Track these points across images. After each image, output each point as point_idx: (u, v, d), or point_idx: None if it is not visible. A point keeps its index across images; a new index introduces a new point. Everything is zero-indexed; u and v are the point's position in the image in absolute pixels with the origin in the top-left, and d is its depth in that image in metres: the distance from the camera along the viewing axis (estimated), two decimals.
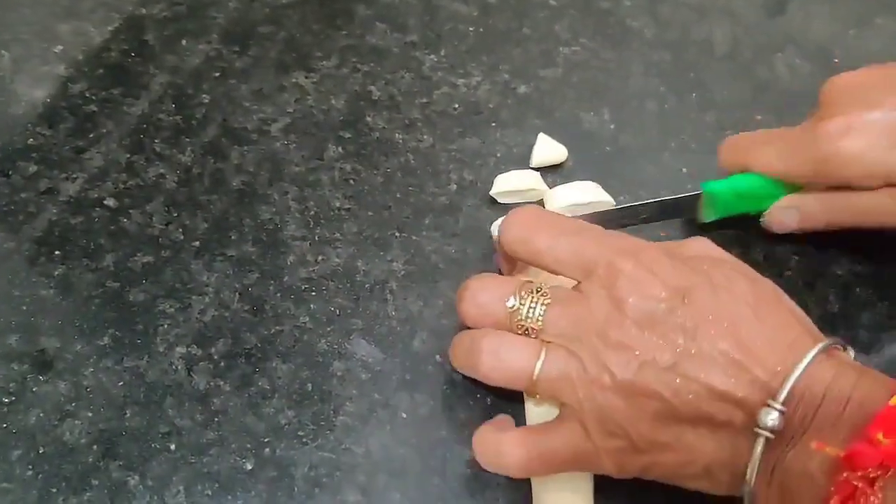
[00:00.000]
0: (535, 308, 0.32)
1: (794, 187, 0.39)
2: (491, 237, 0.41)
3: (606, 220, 0.39)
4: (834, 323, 0.40)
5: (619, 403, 0.30)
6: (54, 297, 0.39)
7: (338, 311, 0.39)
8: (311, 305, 0.40)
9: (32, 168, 0.43)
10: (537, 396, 0.33)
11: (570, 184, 0.41)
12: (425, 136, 0.45)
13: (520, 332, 0.33)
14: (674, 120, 0.46)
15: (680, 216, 0.42)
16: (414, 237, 0.42)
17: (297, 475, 0.35)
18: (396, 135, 0.45)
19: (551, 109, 0.46)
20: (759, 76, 0.48)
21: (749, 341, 0.30)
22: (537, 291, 0.33)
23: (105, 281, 0.40)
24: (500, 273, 0.38)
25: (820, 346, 0.29)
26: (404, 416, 0.37)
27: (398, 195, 0.43)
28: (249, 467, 0.35)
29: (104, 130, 0.45)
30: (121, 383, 0.37)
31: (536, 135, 0.44)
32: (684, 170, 0.45)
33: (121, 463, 0.35)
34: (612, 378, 0.30)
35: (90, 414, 0.36)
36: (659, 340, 0.30)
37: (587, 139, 0.45)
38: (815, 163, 0.37)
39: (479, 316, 0.34)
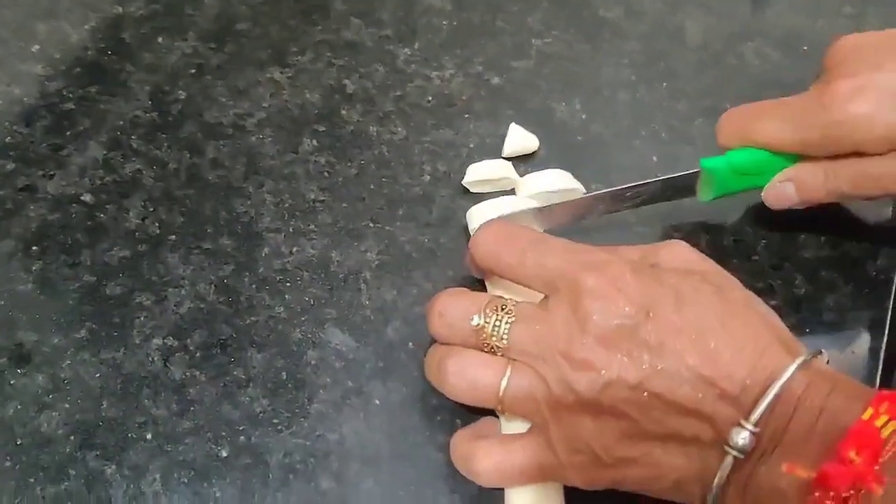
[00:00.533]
0: (499, 326, 0.32)
1: (795, 160, 0.38)
2: (465, 227, 0.42)
3: (601, 204, 0.39)
4: (799, 305, 0.40)
5: (585, 422, 0.30)
6: (32, 291, 0.40)
7: (312, 301, 0.40)
8: (286, 296, 0.40)
9: (10, 166, 0.44)
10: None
11: (541, 172, 0.42)
12: (399, 129, 0.46)
13: (486, 349, 0.32)
14: (645, 109, 0.47)
15: (679, 197, 0.41)
16: (388, 227, 0.42)
17: (271, 462, 0.36)
18: (371, 127, 0.46)
19: (524, 100, 0.47)
20: (729, 65, 0.49)
21: (716, 355, 0.29)
22: (502, 309, 0.32)
23: (82, 275, 0.41)
24: (472, 271, 0.38)
25: (795, 363, 0.28)
26: (377, 403, 0.37)
27: (372, 186, 0.44)
28: (225, 455, 0.36)
29: (81, 128, 0.45)
30: (98, 375, 0.38)
31: (508, 125, 0.45)
32: (655, 158, 0.45)
33: (98, 453, 0.36)
34: (576, 397, 0.30)
35: (67, 405, 0.37)
36: (624, 358, 0.29)
37: (559, 129, 0.46)
38: (824, 128, 0.35)
39: (446, 334, 0.33)
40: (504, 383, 0.32)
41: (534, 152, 0.45)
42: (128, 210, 0.43)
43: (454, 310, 0.33)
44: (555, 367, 0.30)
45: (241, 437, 0.36)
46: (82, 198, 0.43)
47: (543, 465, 0.31)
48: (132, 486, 0.35)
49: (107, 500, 0.35)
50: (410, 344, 0.39)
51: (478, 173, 0.42)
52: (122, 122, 0.46)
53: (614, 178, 0.44)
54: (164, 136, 0.45)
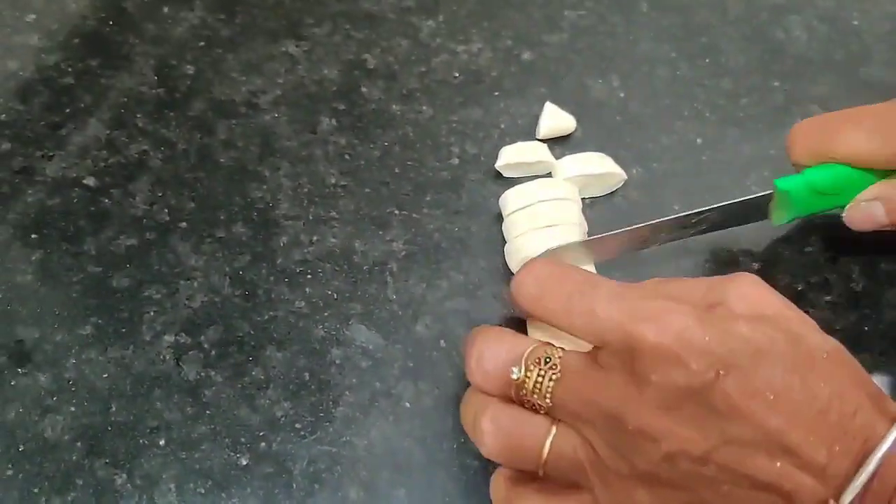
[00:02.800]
0: (542, 382, 0.28)
1: (883, 175, 0.34)
2: (498, 214, 0.39)
3: (660, 232, 0.35)
4: (858, 301, 0.37)
5: (639, 493, 0.26)
6: (32, 283, 0.37)
7: (335, 295, 0.37)
8: (307, 289, 0.37)
9: (5, 146, 0.41)
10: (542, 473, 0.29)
11: (579, 154, 0.39)
12: (424, 108, 0.42)
13: (528, 406, 0.29)
14: (686, 87, 0.44)
15: (749, 221, 0.36)
16: (414, 215, 0.39)
17: (295, 471, 0.33)
18: (393, 106, 0.42)
19: (557, 77, 0.44)
20: (774, 39, 0.46)
21: (797, 418, 0.24)
22: (546, 362, 0.28)
23: (86, 266, 0.38)
24: (514, 311, 0.35)
25: None
26: (408, 405, 0.35)
27: (396, 170, 0.41)
28: (245, 463, 0.33)
29: (82, 105, 0.42)
30: (105, 375, 0.35)
31: (542, 104, 0.42)
32: (699, 140, 0.42)
33: (107, 460, 0.33)
34: (631, 468, 0.26)
35: (73, 408, 0.34)
36: (687, 426, 0.25)
37: (595, 108, 0.43)
38: None
39: (484, 383, 0.29)
40: (547, 448, 0.28)
41: (570, 134, 0.42)
42: (134, 195, 0.39)
43: (491, 356, 0.29)
44: (606, 433, 0.26)
45: (262, 444, 0.34)
46: (84, 181, 0.40)
47: None
48: (144, 496, 0.33)
49: None
50: (442, 342, 0.36)
51: (512, 156, 0.39)
52: (125, 99, 0.42)
53: (656, 163, 0.41)
54: (171, 114, 0.42)
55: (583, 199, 0.39)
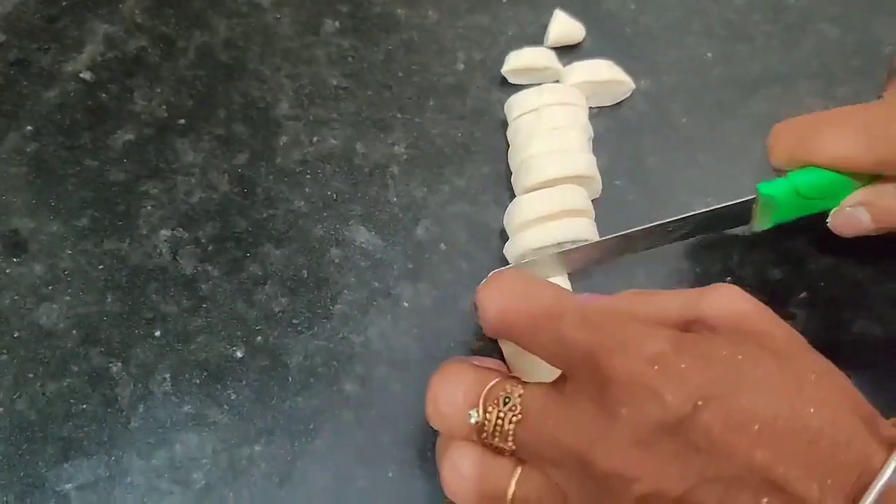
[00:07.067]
0: (501, 425, 0.25)
1: (869, 179, 0.32)
2: (503, 120, 0.38)
3: (637, 241, 0.33)
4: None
5: None
6: (27, 174, 0.36)
7: (335, 196, 0.37)
8: (306, 189, 0.37)
9: (1, 37, 0.40)
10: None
11: (587, 61, 0.38)
12: (430, 12, 0.41)
13: (491, 449, 0.26)
14: (698, 1, 0.43)
15: (730, 227, 0.34)
16: (417, 119, 0.39)
17: (291, 364, 0.33)
18: (398, 10, 0.41)
19: None
20: None
21: (787, 451, 0.22)
22: (505, 403, 0.25)
23: (82, 159, 0.37)
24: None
25: (895, 458, 0.22)
26: (406, 305, 0.34)
27: (400, 74, 0.40)
28: (240, 355, 0.33)
29: None
30: (101, 266, 0.35)
31: (551, 12, 0.41)
32: (709, 55, 0.41)
33: (102, 349, 0.33)
34: None
35: (68, 298, 0.34)
36: (663, 465, 0.23)
37: (606, 18, 0.42)
38: None
39: (444, 427, 0.27)
40: (511, 491, 0.26)
41: (578, 43, 0.41)
42: (132, 90, 0.39)
43: (447, 399, 0.27)
44: (574, 476, 0.24)
45: (258, 338, 0.34)
46: (81, 75, 0.39)
47: None
48: (140, 385, 0.32)
49: (112, 398, 0.32)
50: (442, 245, 0.36)
51: (519, 61, 0.38)
52: None
53: (665, 76, 0.40)
54: (170, 11, 0.41)
55: (590, 108, 0.38)
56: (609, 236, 0.33)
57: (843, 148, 0.31)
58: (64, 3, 0.41)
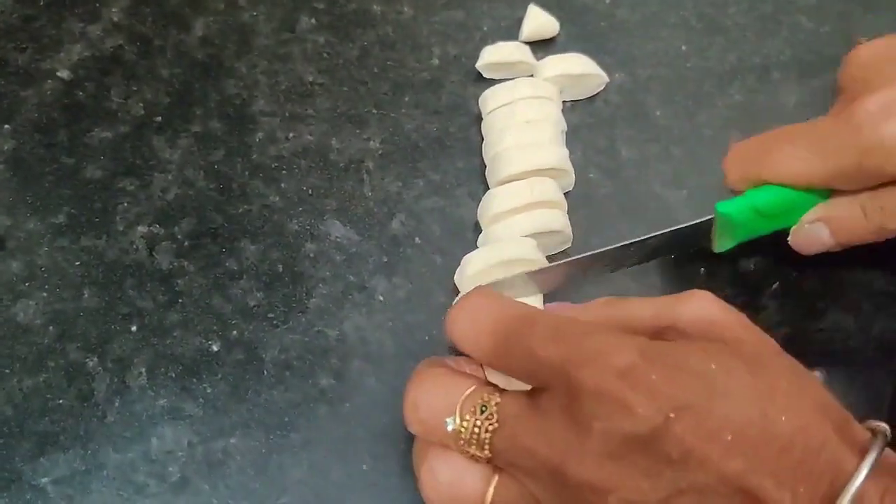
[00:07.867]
0: (478, 433, 0.25)
1: (826, 194, 0.32)
2: (477, 115, 0.38)
3: (601, 262, 0.33)
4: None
5: None
6: (4, 172, 0.37)
7: (310, 191, 0.37)
8: (282, 184, 0.37)
9: None
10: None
11: (562, 55, 0.38)
12: (405, 8, 0.42)
13: (468, 456, 0.26)
14: None
15: (691, 248, 0.34)
16: (392, 114, 0.39)
17: (266, 358, 0.33)
18: (374, 6, 0.42)
19: None
20: None
21: (760, 459, 0.22)
22: (482, 411, 0.25)
23: (59, 157, 0.37)
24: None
25: (866, 465, 0.22)
26: (381, 299, 0.35)
27: (375, 70, 0.40)
28: (216, 349, 0.33)
29: None
30: (77, 263, 0.35)
31: (525, 7, 0.41)
32: (683, 47, 0.41)
33: (78, 344, 0.33)
34: None
35: (45, 294, 0.34)
36: (636, 477, 0.23)
37: (581, 12, 0.42)
38: (861, 155, 0.29)
39: (421, 432, 0.27)
40: (489, 499, 0.26)
41: (553, 37, 0.41)
42: (109, 88, 0.39)
43: (425, 405, 0.27)
44: (549, 487, 0.24)
45: (234, 332, 0.34)
46: (59, 74, 0.39)
47: None
48: (116, 379, 0.33)
49: (89, 392, 0.32)
50: (417, 239, 0.36)
51: (493, 56, 0.39)
52: None
53: (639, 69, 0.40)
54: (147, 10, 0.41)
55: (564, 101, 0.39)
56: (574, 257, 0.33)
57: (796, 165, 0.30)
58: (41, 3, 0.41)
